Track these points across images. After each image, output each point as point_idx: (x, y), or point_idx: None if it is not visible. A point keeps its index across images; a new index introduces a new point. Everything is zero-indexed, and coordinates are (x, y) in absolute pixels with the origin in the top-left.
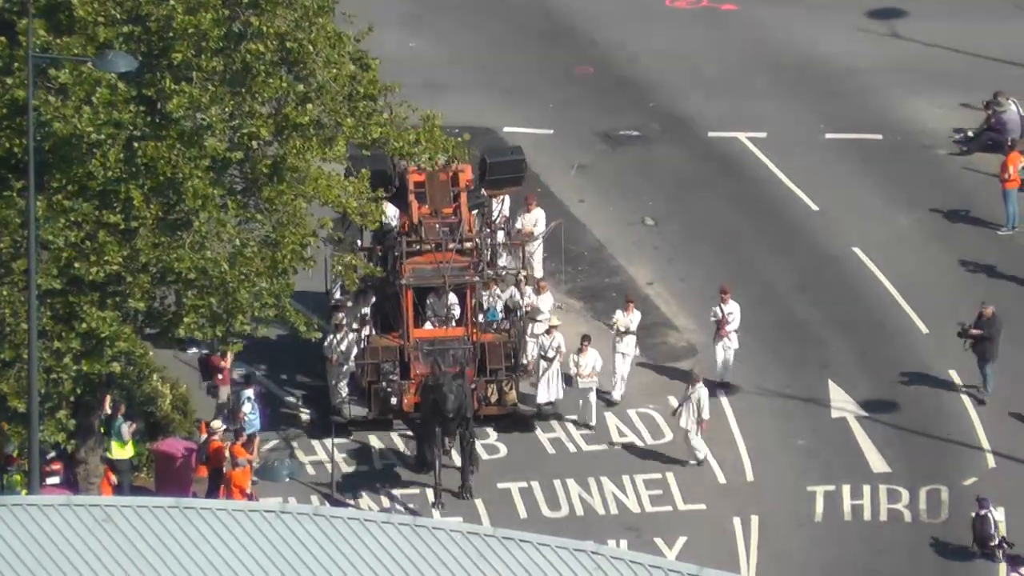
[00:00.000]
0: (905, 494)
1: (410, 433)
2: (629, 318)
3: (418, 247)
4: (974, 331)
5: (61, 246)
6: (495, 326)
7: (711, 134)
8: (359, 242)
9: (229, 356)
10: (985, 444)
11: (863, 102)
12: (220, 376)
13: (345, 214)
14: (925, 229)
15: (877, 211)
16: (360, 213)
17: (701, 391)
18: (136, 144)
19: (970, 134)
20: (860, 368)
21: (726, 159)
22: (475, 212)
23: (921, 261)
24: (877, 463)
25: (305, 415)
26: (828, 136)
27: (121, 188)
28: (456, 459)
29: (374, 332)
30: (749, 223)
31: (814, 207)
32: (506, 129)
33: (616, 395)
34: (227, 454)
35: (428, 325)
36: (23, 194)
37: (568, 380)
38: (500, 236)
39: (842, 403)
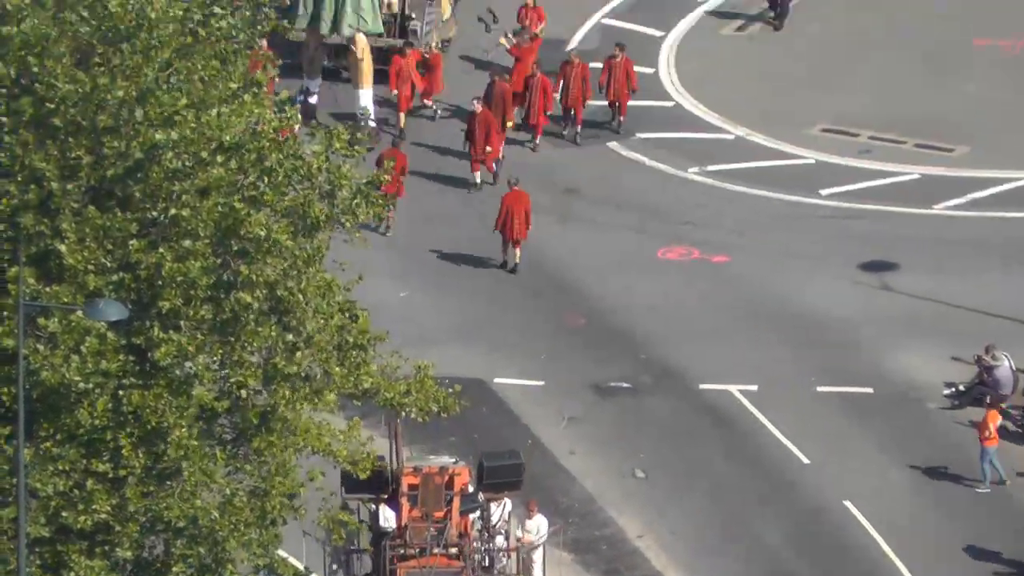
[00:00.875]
0: None
1: None
2: None
3: (403, 551)
4: None
5: (49, 494)
6: None
7: (702, 386)
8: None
9: None
10: None
11: (854, 355)
12: None
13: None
14: (916, 483)
15: (868, 464)
16: (351, 462)
17: None
18: (122, 393)
19: (961, 388)
20: None
21: (717, 411)
22: (474, 517)
23: (912, 515)
24: None
25: None
26: (819, 389)
27: (109, 437)
28: None
29: None
30: (740, 476)
31: (805, 460)
32: (497, 380)
33: None
34: None
35: None
36: (11, 442)
37: None
38: (499, 540)
39: None
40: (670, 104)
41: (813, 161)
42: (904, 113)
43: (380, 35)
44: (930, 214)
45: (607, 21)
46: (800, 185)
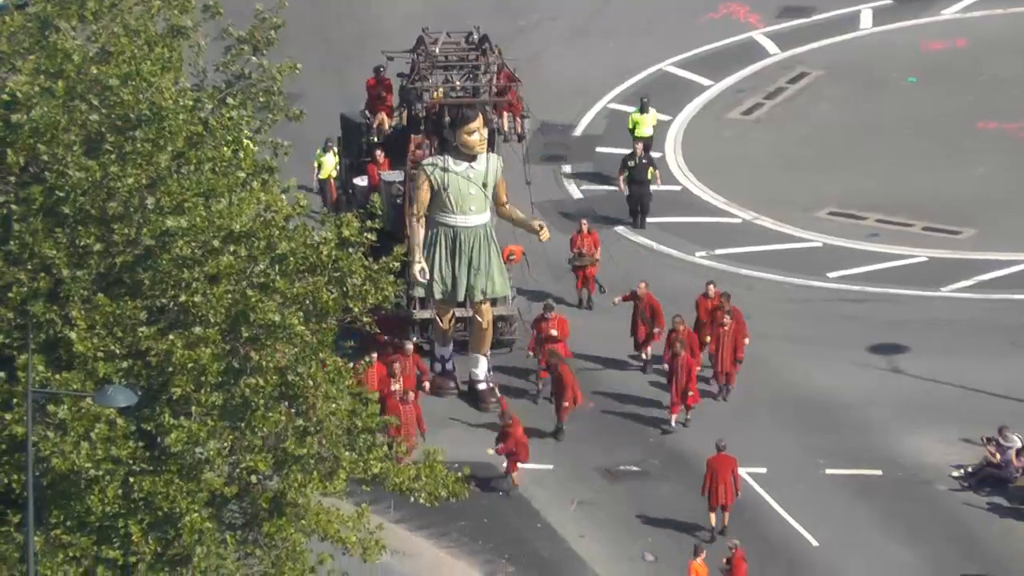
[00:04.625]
0: None
1: None
2: None
3: None
4: None
5: None
6: None
7: None
8: None
9: None
10: None
11: (863, 437)
12: None
13: None
14: (925, 565)
15: (877, 546)
16: (362, 547)
17: None
18: (132, 479)
19: (970, 470)
20: None
21: None
22: None
23: None
24: None
25: None
26: (828, 471)
27: (120, 523)
28: None
29: None
30: (749, 558)
31: (814, 542)
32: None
33: None
34: None
35: None
36: (21, 529)
37: None
38: None
39: None
40: (677, 188)
41: (821, 244)
42: (912, 196)
43: (506, 298)
44: (938, 296)
45: (613, 106)
46: (807, 268)
